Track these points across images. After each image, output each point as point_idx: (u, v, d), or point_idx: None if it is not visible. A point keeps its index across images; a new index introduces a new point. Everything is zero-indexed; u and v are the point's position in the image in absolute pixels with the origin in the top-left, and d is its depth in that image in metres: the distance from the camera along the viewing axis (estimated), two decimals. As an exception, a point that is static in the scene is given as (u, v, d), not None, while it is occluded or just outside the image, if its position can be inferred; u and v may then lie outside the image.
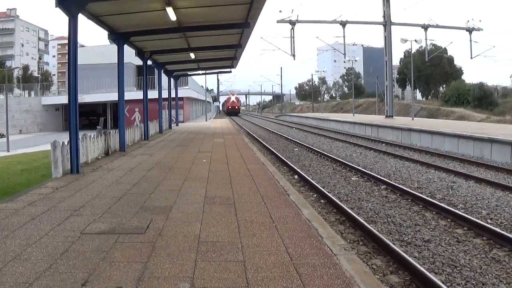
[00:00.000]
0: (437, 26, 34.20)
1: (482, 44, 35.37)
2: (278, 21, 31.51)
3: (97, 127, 15.03)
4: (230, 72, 42.31)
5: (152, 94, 25.19)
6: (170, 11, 12.85)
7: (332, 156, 15.98)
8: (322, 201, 9.10)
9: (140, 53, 19.79)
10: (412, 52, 40.71)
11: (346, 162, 14.34)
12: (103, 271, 4.01)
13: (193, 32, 17.23)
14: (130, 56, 19.83)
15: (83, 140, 11.10)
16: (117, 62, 15.14)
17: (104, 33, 15.11)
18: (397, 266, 5.42)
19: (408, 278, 5.07)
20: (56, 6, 9.63)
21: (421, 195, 9.10)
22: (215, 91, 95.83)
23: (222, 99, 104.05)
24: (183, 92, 41.16)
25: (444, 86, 72.92)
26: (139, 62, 21.71)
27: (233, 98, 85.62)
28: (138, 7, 13.03)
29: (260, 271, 4.00)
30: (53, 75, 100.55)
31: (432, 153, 17.33)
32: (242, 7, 14.10)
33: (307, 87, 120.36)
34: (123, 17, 13.81)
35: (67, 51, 10.17)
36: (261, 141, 22.94)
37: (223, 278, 3.85)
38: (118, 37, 15.18)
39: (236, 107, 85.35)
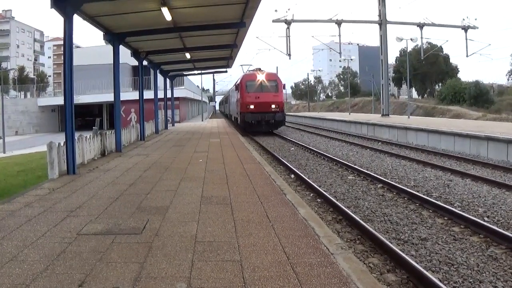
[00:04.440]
0: (433, 25, 34.30)
1: (478, 42, 35.75)
2: (273, 21, 31.51)
3: (93, 127, 14.99)
4: (226, 71, 42.27)
5: (148, 94, 25.12)
6: (165, 11, 12.82)
7: (329, 155, 15.99)
8: (319, 200, 9.10)
9: (135, 54, 19.76)
10: (408, 50, 40.71)
11: (343, 161, 14.36)
12: (100, 271, 4.00)
13: (189, 32, 17.21)
14: (126, 56, 19.80)
15: (79, 141, 11.07)
16: (112, 62, 15.13)
17: (100, 33, 15.08)
18: (394, 264, 5.43)
19: (405, 276, 5.09)
20: (51, 7, 9.60)
21: (417, 194, 9.12)
22: (211, 91, 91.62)
23: (218, 99, 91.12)
24: (179, 92, 41.13)
25: (440, 84, 73.23)
26: (135, 62, 21.67)
27: (262, 77, 27.46)
28: (133, 7, 13.00)
29: (257, 271, 4.00)
30: (48, 76, 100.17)
31: (428, 152, 17.37)
32: (237, 6, 14.09)
33: (303, 86, 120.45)
34: (118, 18, 13.78)
35: (62, 52, 10.14)
36: (257, 140, 22.95)
37: (220, 278, 3.85)
38: (114, 37, 15.16)
39: (274, 105, 27.18)
